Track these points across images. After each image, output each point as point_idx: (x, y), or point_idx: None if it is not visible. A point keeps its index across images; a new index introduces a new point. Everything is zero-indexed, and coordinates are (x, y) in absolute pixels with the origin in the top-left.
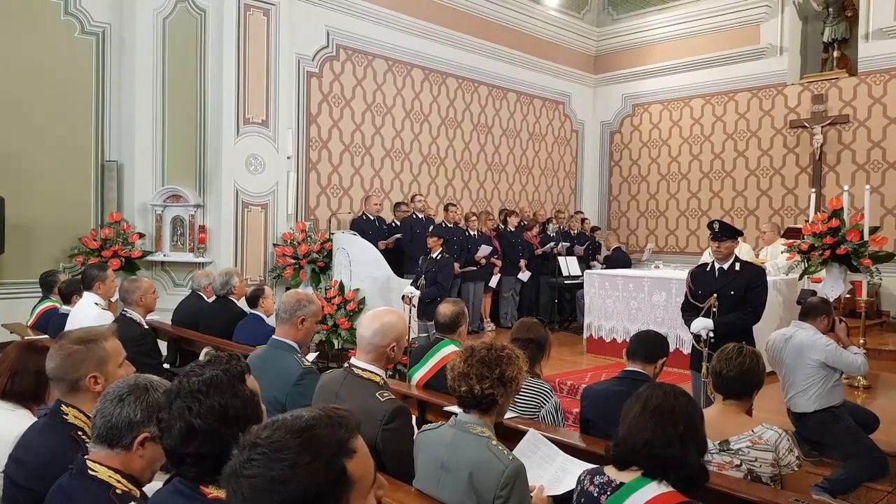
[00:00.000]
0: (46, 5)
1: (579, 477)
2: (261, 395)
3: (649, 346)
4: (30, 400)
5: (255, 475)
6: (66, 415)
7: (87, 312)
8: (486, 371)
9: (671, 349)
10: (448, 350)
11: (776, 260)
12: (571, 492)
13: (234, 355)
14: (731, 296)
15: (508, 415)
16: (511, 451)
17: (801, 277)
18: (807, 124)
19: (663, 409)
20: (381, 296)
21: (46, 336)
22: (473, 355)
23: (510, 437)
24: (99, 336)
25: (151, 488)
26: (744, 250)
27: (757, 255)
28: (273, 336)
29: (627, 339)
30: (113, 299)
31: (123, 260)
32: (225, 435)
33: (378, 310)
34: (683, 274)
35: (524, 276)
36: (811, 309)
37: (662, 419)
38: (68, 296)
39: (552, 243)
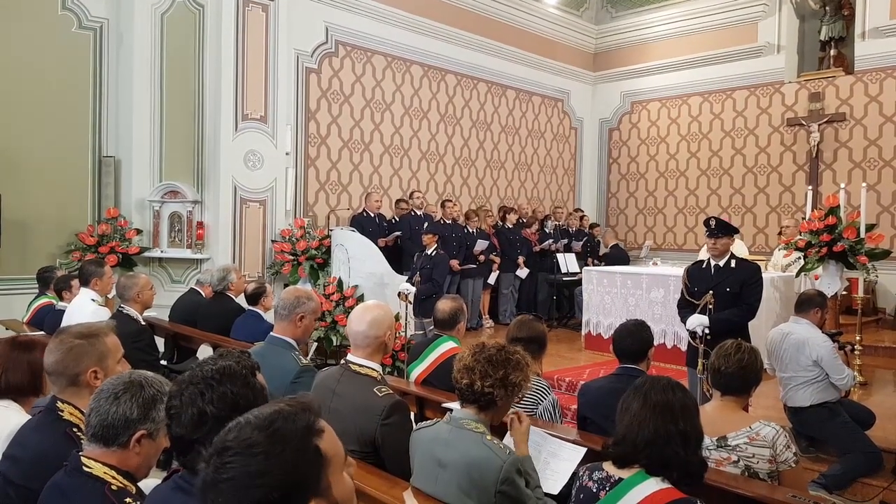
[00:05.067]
0: (43, 0)
1: (578, 472)
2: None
3: (633, 343)
4: (28, 393)
5: (233, 476)
6: (62, 411)
7: (84, 309)
8: (490, 370)
9: (669, 346)
10: (446, 346)
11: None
12: (570, 487)
13: (244, 351)
14: (726, 293)
15: None
16: (503, 441)
17: (797, 274)
18: (804, 122)
19: (663, 405)
20: (380, 292)
21: (42, 332)
22: (483, 352)
23: (504, 433)
24: (99, 331)
25: (147, 486)
26: (739, 247)
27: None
28: (271, 333)
29: None
30: (110, 296)
31: (120, 256)
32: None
33: (365, 304)
34: (681, 271)
35: (522, 272)
36: (806, 301)
37: (663, 416)
38: (58, 292)
39: (551, 240)
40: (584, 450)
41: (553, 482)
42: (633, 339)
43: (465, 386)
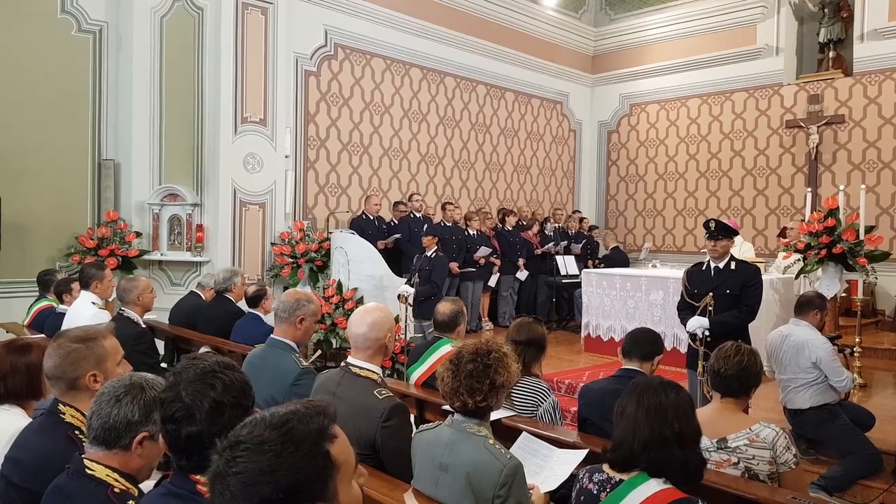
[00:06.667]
0: (43, 3)
1: (578, 475)
2: (257, 394)
3: (644, 344)
4: (27, 397)
5: (241, 471)
6: (63, 414)
7: (84, 311)
8: (475, 384)
9: (669, 348)
10: (446, 349)
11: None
12: (570, 489)
13: (208, 352)
14: (726, 294)
15: (506, 413)
16: (508, 449)
17: (797, 276)
18: (803, 124)
19: (657, 407)
20: (379, 295)
21: (42, 335)
22: (460, 370)
23: (508, 435)
24: (97, 334)
25: (149, 488)
26: (747, 249)
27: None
28: (271, 335)
29: None
30: (110, 299)
31: (120, 259)
32: (247, 408)
33: (365, 307)
34: (680, 273)
35: (522, 275)
36: (806, 303)
37: (658, 419)
38: (59, 295)
39: (552, 243)
40: (583, 453)
41: (550, 482)
42: (645, 343)
43: (459, 407)
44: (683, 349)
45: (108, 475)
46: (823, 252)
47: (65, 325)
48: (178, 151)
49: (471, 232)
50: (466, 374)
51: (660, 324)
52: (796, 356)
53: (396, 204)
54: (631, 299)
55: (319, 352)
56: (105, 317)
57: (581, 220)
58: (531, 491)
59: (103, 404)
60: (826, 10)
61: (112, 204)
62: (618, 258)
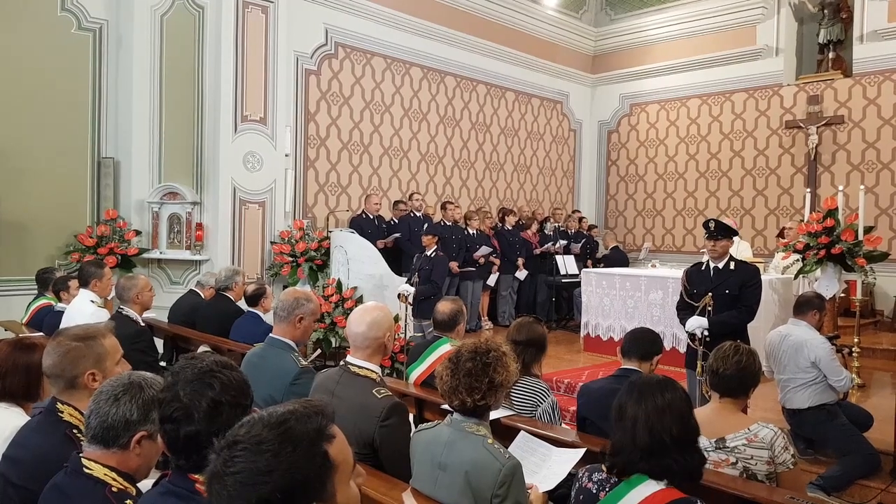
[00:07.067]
0: (42, 1)
1: (577, 474)
2: (256, 394)
3: (644, 343)
4: (23, 398)
5: (239, 471)
6: (62, 412)
7: (83, 310)
8: (475, 382)
9: (668, 348)
10: (446, 348)
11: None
12: (569, 488)
13: (207, 353)
14: (725, 294)
15: (505, 413)
16: (507, 448)
17: (796, 276)
18: (802, 125)
19: (655, 409)
20: (379, 294)
21: (41, 333)
22: (459, 368)
23: (507, 435)
24: (97, 333)
25: (147, 487)
26: (744, 249)
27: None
28: (270, 334)
29: None
30: (109, 297)
31: (119, 257)
32: (245, 407)
33: (364, 306)
34: (679, 273)
35: (521, 274)
36: (805, 303)
37: (656, 422)
38: (56, 293)
39: (551, 243)
40: (581, 451)
41: (548, 481)
42: (644, 343)
43: (458, 406)
44: (682, 349)
45: (106, 474)
46: (822, 252)
47: (64, 324)
48: (177, 150)
49: (470, 231)
50: (465, 372)
51: (659, 323)
52: (795, 356)
53: (396, 203)
54: (630, 299)
55: (319, 351)
56: (104, 315)
57: (581, 219)
58: (529, 490)
59: (102, 403)
60: (826, 11)
61: (111, 202)
62: (617, 258)
